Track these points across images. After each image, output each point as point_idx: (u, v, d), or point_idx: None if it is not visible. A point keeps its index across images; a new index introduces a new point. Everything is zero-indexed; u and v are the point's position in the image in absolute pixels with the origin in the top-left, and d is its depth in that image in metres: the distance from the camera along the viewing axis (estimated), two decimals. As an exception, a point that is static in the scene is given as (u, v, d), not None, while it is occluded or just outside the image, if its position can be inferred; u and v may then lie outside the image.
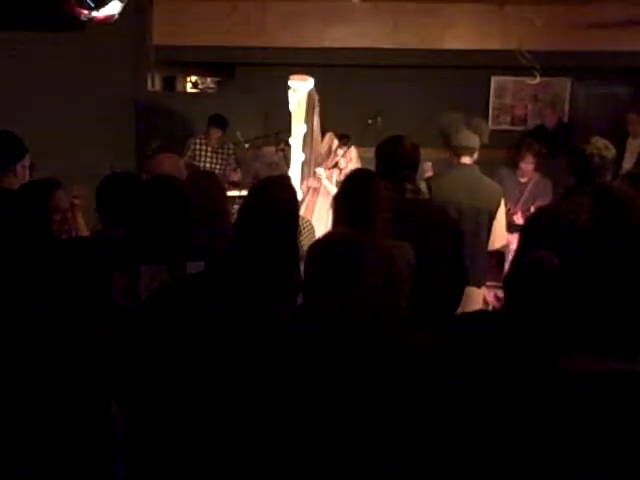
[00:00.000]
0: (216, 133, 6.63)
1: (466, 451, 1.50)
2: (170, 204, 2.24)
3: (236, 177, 6.49)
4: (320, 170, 4.81)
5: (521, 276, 2.27)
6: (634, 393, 1.36)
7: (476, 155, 3.83)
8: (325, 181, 4.84)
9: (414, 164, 3.12)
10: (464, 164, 3.77)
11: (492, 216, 3.67)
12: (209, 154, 6.76)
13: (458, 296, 3.10)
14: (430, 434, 1.56)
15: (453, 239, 3.07)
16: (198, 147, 6.74)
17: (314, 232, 3.32)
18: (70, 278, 2.04)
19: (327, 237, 2.03)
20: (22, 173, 3.16)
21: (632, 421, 1.34)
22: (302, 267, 2.75)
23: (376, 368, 1.63)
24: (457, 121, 3.83)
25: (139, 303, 2.10)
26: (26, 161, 3.20)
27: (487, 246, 3.74)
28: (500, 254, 5.65)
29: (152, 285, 2.06)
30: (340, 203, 2.72)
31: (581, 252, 1.50)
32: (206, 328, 1.86)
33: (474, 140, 3.81)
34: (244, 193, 4.92)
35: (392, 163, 3.07)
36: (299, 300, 2.34)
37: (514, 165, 6.20)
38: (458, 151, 3.78)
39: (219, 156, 6.77)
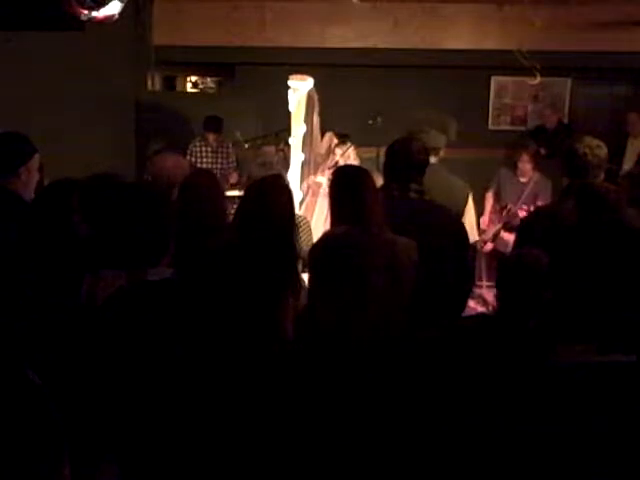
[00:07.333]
0: (212, 135, 6.69)
1: (467, 446, 1.50)
2: (142, 209, 2.16)
3: (234, 179, 6.52)
4: (321, 179, 4.79)
5: (509, 272, 2.28)
6: (623, 384, 1.38)
7: (442, 153, 3.83)
8: (324, 181, 4.83)
9: (421, 166, 3.11)
10: (431, 164, 3.76)
11: (461, 215, 3.64)
12: (209, 154, 6.80)
13: (463, 297, 3.09)
14: (436, 434, 1.56)
15: (456, 239, 3.06)
16: (198, 148, 6.78)
17: (310, 230, 3.32)
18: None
19: (327, 238, 2.02)
20: (27, 177, 3.05)
21: (622, 410, 1.36)
22: (300, 265, 2.77)
23: (383, 369, 1.64)
24: (423, 121, 3.84)
25: (95, 307, 2.07)
26: (33, 164, 3.09)
27: None
28: (501, 255, 5.66)
29: (109, 289, 2.03)
30: (333, 202, 2.71)
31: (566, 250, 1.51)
32: (163, 335, 1.82)
33: (440, 140, 3.82)
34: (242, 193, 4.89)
35: (398, 163, 3.07)
36: (303, 300, 2.35)
37: (514, 165, 6.20)
38: None
39: (218, 155, 6.82)
